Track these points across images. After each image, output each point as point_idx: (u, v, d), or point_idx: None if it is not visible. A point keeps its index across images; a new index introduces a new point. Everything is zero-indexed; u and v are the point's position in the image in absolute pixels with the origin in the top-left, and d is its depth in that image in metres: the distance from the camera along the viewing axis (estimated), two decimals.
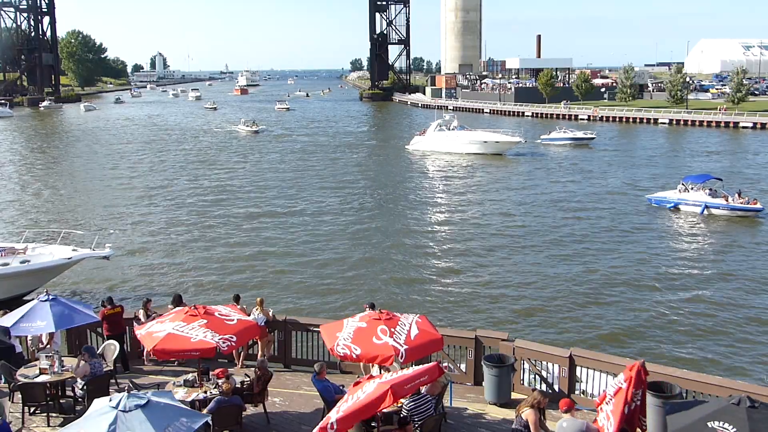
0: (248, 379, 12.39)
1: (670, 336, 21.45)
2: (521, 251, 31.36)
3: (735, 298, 24.57)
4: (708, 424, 7.92)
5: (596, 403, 10.64)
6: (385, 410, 9.93)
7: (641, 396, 10.02)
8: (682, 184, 39.32)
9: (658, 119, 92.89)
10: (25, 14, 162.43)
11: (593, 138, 71.11)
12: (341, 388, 11.66)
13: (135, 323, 14.24)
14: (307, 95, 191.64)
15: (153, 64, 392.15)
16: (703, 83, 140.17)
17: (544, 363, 13.11)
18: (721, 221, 36.41)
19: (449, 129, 66.96)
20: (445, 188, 49.32)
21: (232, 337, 11.64)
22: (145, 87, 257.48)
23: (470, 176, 53.98)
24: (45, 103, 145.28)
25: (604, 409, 10.02)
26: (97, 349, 14.30)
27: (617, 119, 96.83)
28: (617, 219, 37.54)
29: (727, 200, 37.09)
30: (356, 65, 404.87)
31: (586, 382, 12.74)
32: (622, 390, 9.72)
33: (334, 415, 8.91)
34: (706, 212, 37.18)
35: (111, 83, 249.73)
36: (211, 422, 10.34)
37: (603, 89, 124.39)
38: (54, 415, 12.39)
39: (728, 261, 29.47)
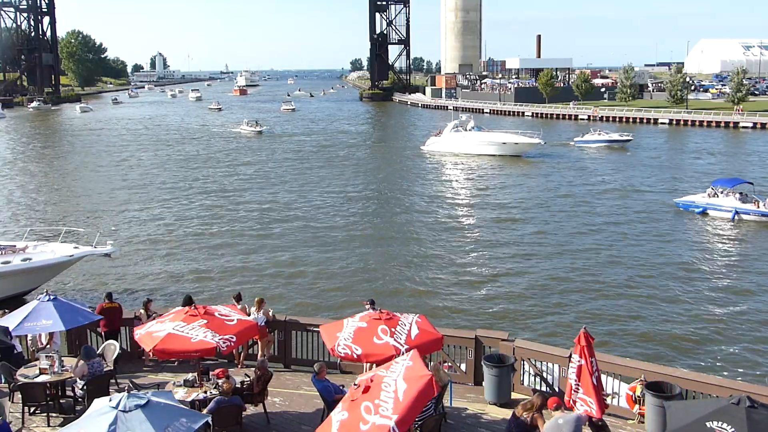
0: (248, 379, 12.39)
1: (678, 339, 21.35)
2: (531, 252, 31.17)
3: (763, 308, 23.82)
4: (707, 424, 7.93)
5: (566, 400, 10.56)
6: None
7: (596, 364, 10.12)
8: (711, 188, 37.92)
9: (658, 119, 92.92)
10: (25, 14, 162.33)
11: (630, 140, 68.87)
12: (341, 388, 11.66)
13: (136, 323, 14.26)
14: (311, 95, 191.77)
15: (153, 64, 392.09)
16: (703, 83, 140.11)
17: (544, 363, 13.11)
18: (751, 227, 35.12)
19: (466, 130, 65.83)
20: (458, 190, 48.53)
21: (232, 338, 11.66)
22: (143, 87, 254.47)
23: (487, 179, 52.72)
24: (34, 104, 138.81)
25: (578, 398, 10.03)
26: (97, 349, 14.30)
27: (617, 119, 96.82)
28: (641, 222, 36.59)
29: (758, 205, 35.62)
30: (356, 65, 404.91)
31: None
32: (583, 365, 9.74)
33: (389, 422, 8.43)
34: (736, 218, 35.79)
35: (111, 83, 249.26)
36: (211, 422, 10.34)
37: (603, 89, 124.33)
38: (54, 415, 12.39)
39: (757, 268, 28.38)
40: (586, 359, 9.78)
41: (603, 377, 12.34)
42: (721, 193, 37.32)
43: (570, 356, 12.50)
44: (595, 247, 31.92)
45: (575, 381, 9.94)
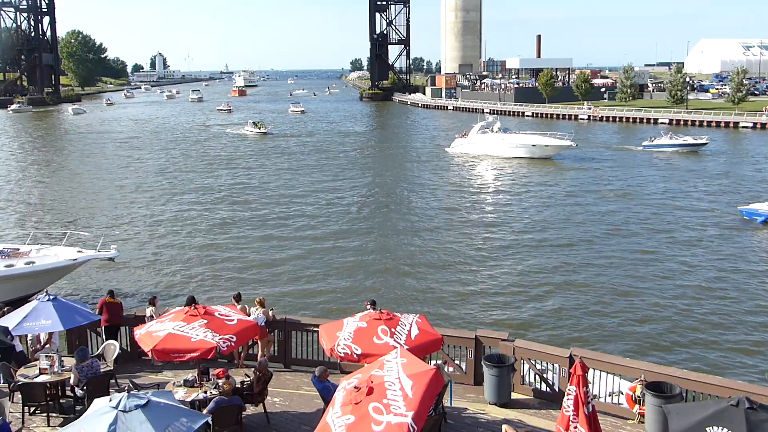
0: (248, 379, 12.39)
1: (687, 342, 21.22)
2: (543, 253, 31.03)
3: None
4: (707, 429, 7.94)
5: (557, 428, 10.46)
6: None
7: (590, 393, 10.11)
8: None
9: (658, 119, 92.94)
10: (25, 14, 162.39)
11: (706, 144, 64.42)
12: None
13: (147, 320, 14.25)
14: (315, 94, 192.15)
15: (153, 64, 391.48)
16: (703, 83, 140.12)
17: (545, 363, 13.11)
18: None
19: (492, 131, 64.29)
20: (488, 193, 47.17)
21: (232, 337, 11.65)
22: (139, 88, 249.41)
23: (518, 182, 51.16)
24: (14, 106, 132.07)
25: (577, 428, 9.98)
26: (97, 349, 14.29)
27: (617, 119, 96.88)
28: (693, 229, 35.06)
29: None
30: (356, 65, 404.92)
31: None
32: (578, 395, 9.72)
33: (406, 419, 8.45)
34: None
35: (111, 83, 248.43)
36: (211, 422, 10.34)
37: (603, 89, 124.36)
38: (54, 415, 12.39)
39: None
40: (579, 389, 9.77)
41: (604, 377, 12.41)
42: None
43: (569, 356, 12.59)
44: (621, 247, 31.38)
45: (572, 411, 9.89)
